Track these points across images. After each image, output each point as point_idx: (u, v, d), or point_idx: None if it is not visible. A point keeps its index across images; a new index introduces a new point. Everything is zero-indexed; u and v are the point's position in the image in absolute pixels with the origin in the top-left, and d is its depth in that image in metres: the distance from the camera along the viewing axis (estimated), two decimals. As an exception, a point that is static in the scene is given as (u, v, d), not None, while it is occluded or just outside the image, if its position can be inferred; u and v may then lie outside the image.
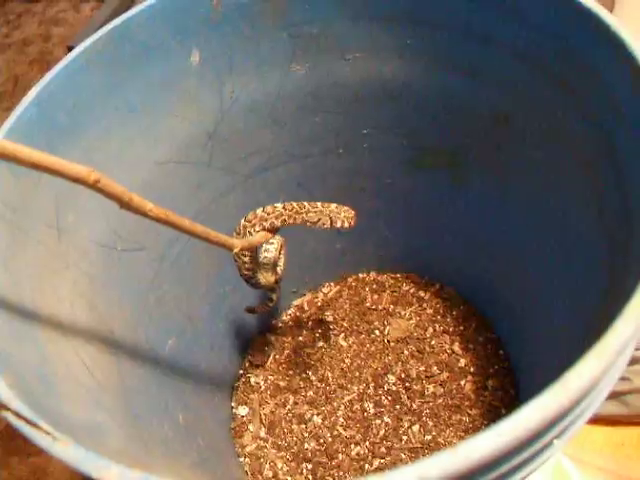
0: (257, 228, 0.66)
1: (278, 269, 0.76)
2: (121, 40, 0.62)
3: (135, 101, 0.66)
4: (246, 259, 0.69)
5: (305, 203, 0.66)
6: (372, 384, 0.90)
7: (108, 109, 0.64)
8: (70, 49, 1.96)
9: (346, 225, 0.65)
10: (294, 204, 0.66)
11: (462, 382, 0.88)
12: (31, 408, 0.38)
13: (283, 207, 0.66)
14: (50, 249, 0.57)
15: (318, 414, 0.89)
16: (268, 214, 0.66)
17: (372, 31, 0.69)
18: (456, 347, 0.91)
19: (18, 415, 0.37)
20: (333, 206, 0.66)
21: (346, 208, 0.66)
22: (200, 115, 0.71)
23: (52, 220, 0.58)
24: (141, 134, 0.68)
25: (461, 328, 0.93)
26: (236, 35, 0.68)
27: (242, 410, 0.91)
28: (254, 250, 0.70)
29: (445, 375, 0.89)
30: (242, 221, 0.67)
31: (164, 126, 0.69)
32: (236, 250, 0.59)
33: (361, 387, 0.90)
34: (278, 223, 0.66)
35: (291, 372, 0.93)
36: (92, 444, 0.37)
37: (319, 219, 0.65)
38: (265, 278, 0.73)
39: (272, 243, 0.72)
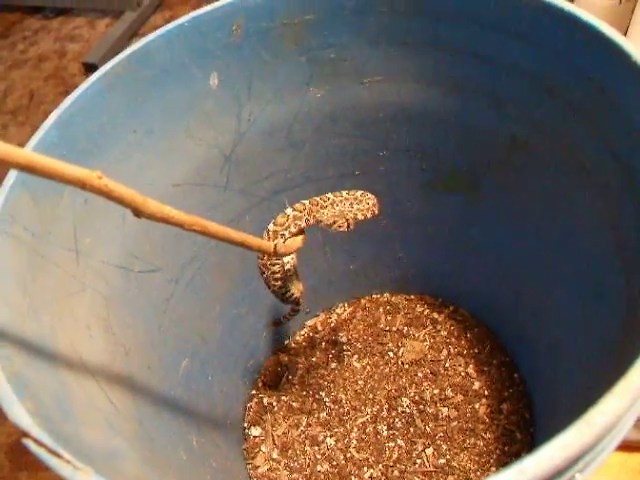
0: (293, 229, 0.65)
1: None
2: (140, 63, 0.63)
3: (153, 124, 0.66)
4: (276, 269, 0.68)
5: (329, 195, 0.67)
6: (386, 406, 0.89)
7: (127, 132, 0.64)
8: (84, 65, 1.97)
9: (368, 216, 0.65)
10: (317, 199, 0.66)
11: (476, 405, 0.88)
12: (51, 435, 0.38)
13: (310, 203, 0.66)
14: (68, 272, 0.57)
15: (331, 436, 0.88)
16: (301, 212, 0.65)
17: (390, 55, 0.70)
18: (470, 370, 0.91)
19: (39, 443, 0.37)
20: (359, 193, 0.67)
21: (368, 195, 0.67)
22: (217, 137, 0.72)
23: (70, 243, 0.58)
24: (158, 156, 0.68)
25: (475, 350, 0.93)
26: (255, 59, 0.68)
27: (255, 431, 0.91)
28: (283, 260, 0.69)
29: (459, 398, 0.88)
30: (271, 226, 0.65)
31: (181, 148, 0.70)
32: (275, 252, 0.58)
33: (374, 409, 0.89)
34: (312, 220, 0.65)
35: (304, 393, 0.93)
36: (110, 471, 0.37)
37: (339, 217, 0.63)
38: (296, 287, 0.72)
39: None
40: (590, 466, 0.38)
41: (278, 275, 0.69)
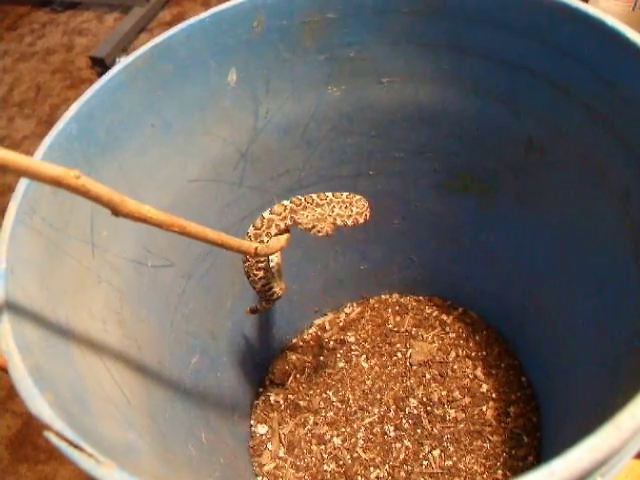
0: (289, 221, 0.64)
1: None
2: (161, 58, 0.62)
3: (171, 119, 0.66)
4: (261, 270, 0.67)
5: (329, 194, 0.66)
6: (393, 407, 0.89)
7: (145, 126, 0.64)
8: (92, 59, 1.94)
9: (349, 223, 0.64)
10: (313, 196, 0.65)
11: (484, 408, 0.87)
12: (71, 428, 0.38)
13: (305, 200, 0.65)
14: (84, 265, 0.57)
15: (338, 435, 0.88)
16: (297, 205, 0.65)
17: (409, 56, 0.69)
18: (478, 372, 0.91)
19: (60, 436, 0.37)
20: (355, 198, 0.66)
21: (361, 203, 0.66)
22: (234, 134, 0.72)
23: (87, 236, 0.58)
24: (175, 151, 0.68)
25: (484, 353, 0.93)
26: (274, 56, 0.68)
27: (261, 429, 0.91)
28: (267, 260, 0.68)
29: (467, 400, 0.88)
30: (267, 214, 0.64)
31: (198, 144, 0.69)
32: (256, 252, 0.56)
33: (382, 409, 0.89)
34: (290, 222, 0.64)
35: (311, 392, 0.93)
36: (128, 465, 0.37)
37: (319, 222, 0.62)
38: (279, 286, 0.72)
39: None
40: (613, 470, 0.38)
41: (262, 265, 0.68)
